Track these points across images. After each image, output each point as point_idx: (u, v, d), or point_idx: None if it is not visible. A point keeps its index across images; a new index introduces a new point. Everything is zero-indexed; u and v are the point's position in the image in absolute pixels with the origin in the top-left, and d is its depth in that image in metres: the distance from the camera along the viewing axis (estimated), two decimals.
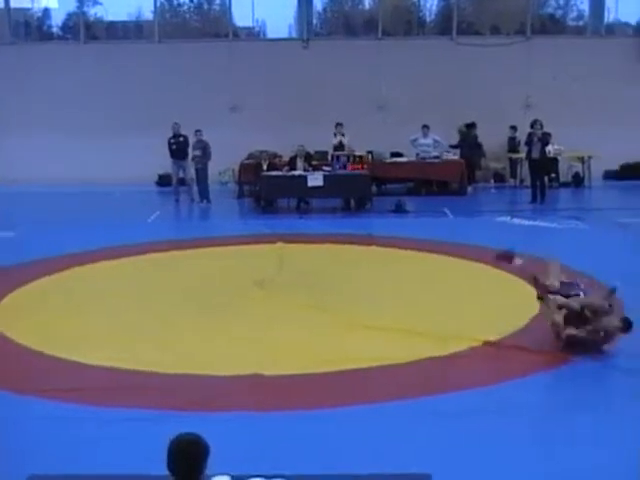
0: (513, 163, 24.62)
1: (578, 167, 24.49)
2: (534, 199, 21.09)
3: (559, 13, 28.92)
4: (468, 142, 23.51)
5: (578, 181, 24.31)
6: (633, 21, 27.91)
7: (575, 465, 6.96)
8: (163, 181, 24.11)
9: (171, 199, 21.82)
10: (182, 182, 21.96)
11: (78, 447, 7.27)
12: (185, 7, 28.13)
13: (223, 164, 23.90)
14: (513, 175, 24.67)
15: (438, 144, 22.70)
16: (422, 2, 28.30)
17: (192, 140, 21.48)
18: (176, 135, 21.66)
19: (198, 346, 10.15)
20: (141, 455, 6.70)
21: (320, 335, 10.50)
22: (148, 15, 26.64)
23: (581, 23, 27.85)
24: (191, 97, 23.93)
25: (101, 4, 27.28)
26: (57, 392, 8.51)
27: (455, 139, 23.70)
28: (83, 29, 26.03)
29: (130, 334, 10.58)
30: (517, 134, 23.98)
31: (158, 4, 26.09)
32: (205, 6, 28.46)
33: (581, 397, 8.52)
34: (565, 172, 24.44)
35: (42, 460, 6.98)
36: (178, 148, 21.61)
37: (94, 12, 27.66)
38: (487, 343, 10.01)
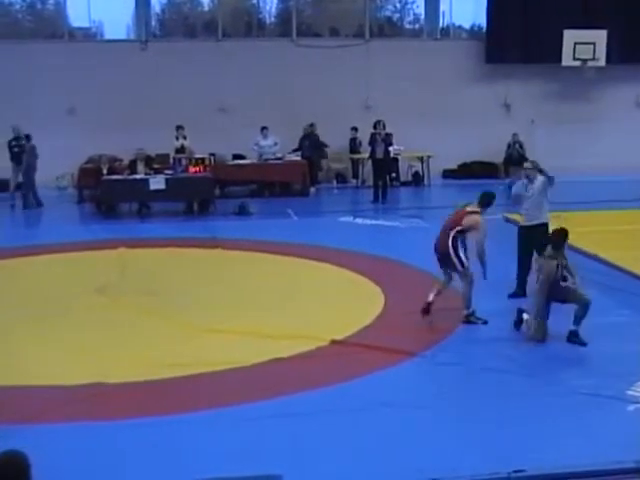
0: (355, 163, 24.93)
1: (418, 166, 25.03)
2: (376, 199, 21.40)
3: (396, 16, 29.48)
4: (310, 143, 23.60)
5: (418, 180, 24.86)
6: (467, 25, 28.79)
7: (427, 459, 7.05)
8: None
9: (5, 205, 20.99)
10: (20, 187, 21.20)
11: None
12: (17, 6, 27.17)
13: (61, 168, 23.22)
14: (355, 175, 24.97)
15: (277, 146, 22.73)
16: (261, 4, 28.32)
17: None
18: (18, 137, 20.91)
19: (37, 356, 9.78)
20: None
21: (165, 340, 10.32)
22: None
23: (417, 26, 28.47)
24: (27, 100, 23.09)
25: None
26: None
27: (295, 140, 23.69)
28: None
29: None
30: (358, 135, 24.28)
31: None
32: (38, 6, 27.56)
33: (425, 392, 8.66)
34: (405, 171, 24.93)
35: None
36: (20, 151, 20.86)
37: None
38: (334, 342, 10.06)
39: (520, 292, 11.99)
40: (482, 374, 9.02)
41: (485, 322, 10.84)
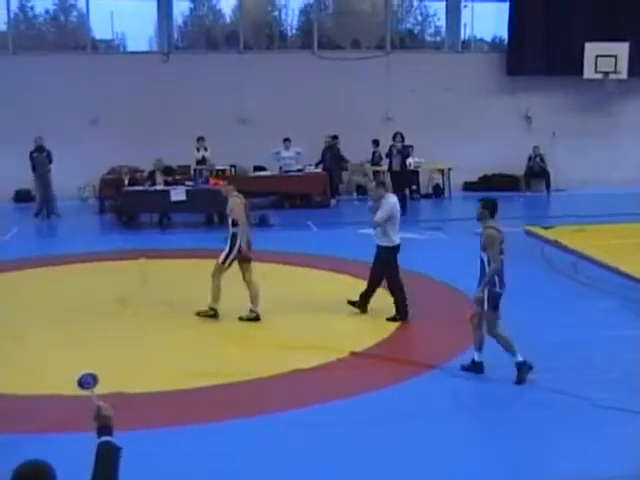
0: (375, 176, 24.89)
1: (438, 179, 25.03)
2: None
3: (417, 29, 29.49)
4: (331, 155, 23.60)
5: (438, 192, 24.84)
6: (488, 37, 28.79)
7: (447, 470, 7.05)
8: (21, 197, 23.42)
9: (30, 215, 21.19)
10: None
11: None
12: (41, 19, 27.39)
13: (83, 179, 23.39)
14: None
15: (300, 156, 22.76)
16: (283, 16, 28.42)
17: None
18: (40, 148, 21.12)
19: (58, 366, 9.82)
20: None
21: (185, 351, 10.37)
22: (1, 26, 25.82)
23: (439, 39, 28.49)
24: (50, 111, 23.25)
25: None
26: None
27: (316, 151, 23.68)
28: None
29: None
30: (379, 148, 24.23)
31: (12, 15, 25.33)
32: (62, 18, 27.78)
33: (444, 405, 8.64)
34: (426, 184, 24.93)
35: None
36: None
37: None
38: (353, 354, 10.07)
39: (363, 309, 11.87)
40: (501, 386, 9.00)
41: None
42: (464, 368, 9.39)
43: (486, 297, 9.12)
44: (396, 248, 11.62)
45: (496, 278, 9.12)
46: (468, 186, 25.79)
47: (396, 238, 11.60)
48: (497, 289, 9.13)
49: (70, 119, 23.41)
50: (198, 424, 8.04)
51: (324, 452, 7.45)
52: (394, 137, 21.62)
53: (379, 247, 11.62)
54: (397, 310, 11.60)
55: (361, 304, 11.83)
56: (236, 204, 11.66)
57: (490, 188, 25.24)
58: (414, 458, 7.36)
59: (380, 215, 11.38)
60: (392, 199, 11.68)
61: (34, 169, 21.16)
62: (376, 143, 24.24)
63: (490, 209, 9.38)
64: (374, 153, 24.56)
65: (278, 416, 8.22)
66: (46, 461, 4.26)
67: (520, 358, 9.09)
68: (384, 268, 11.65)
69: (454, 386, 9.13)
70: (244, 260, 11.76)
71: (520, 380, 9.01)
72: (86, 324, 11.52)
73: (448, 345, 10.40)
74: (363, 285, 12.47)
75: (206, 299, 12.63)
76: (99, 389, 8.91)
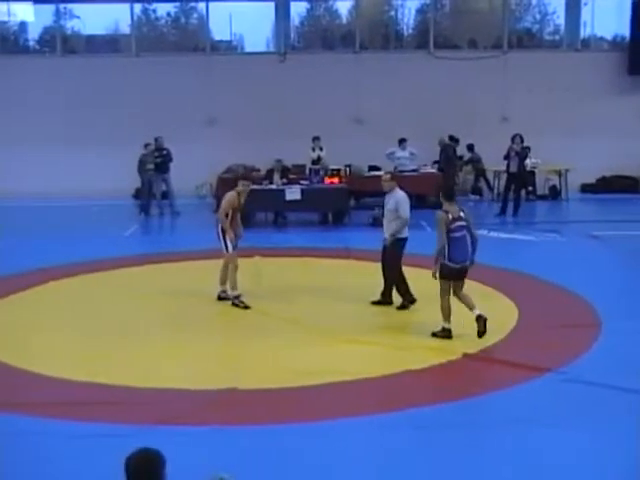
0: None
1: (555, 180, 24.61)
2: (502, 212, 21.17)
3: (535, 27, 29.08)
4: (445, 155, 23.45)
5: (555, 194, 24.42)
6: (609, 36, 28.16)
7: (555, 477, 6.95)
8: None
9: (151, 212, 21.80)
10: (164, 195, 21.98)
11: (60, 463, 7.19)
12: (162, 21, 28.11)
13: (200, 178, 23.85)
14: (490, 188, 24.74)
15: (414, 157, 22.67)
16: (399, 16, 28.42)
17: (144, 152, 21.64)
18: (159, 148, 21.67)
19: (173, 361, 10.06)
20: (110, 472, 6.62)
21: (298, 349, 10.45)
22: (125, 29, 26.61)
23: (557, 37, 28.02)
24: (169, 110, 23.88)
25: (78, 17, 27.19)
26: (29, 407, 8.43)
27: (431, 152, 23.58)
28: (60, 43, 25.95)
29: (105, 350, 10.47)
30: (472, 154, 24.26)
31: (135, 18, 26.06)
32: (182, 20, 28.44)
33: (556, 411, 8.49)
34: (542, 185, 24.54)
35: (5, 476, 6.90)
36: (163, 161, 21.65)
37: (71, 26, 27.54)
38: (466, 355, 10.00)
39: (386, 300, 12.47)
40: (616, 393, 8.79)
41: (246, 307, 12.14)
42: (434, 334, 10.66)
43: (438, 269, 10.46)
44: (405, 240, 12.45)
45: (446, 253, 10.36)
46: (586, 188, 25.30)
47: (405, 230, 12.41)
48: (447, 262, 10.41)
49: (189, 118, 23.94)
50: (307, 422, 8.10)
51: (431, 454, 7.41)
52: (513, 139, 21.37)
53: (399, 240, 12.30)
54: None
55: (385, 298, 12.54)
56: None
57: (609, 190, 24.74)
58: (522, 466, 7.26)
59: (403, 210, 12.14)
60: (402, 193, 12.37)
61: (161, 168, 21.79)
62: (470, 148, 24.21)
63: (444, 194, 10.70)
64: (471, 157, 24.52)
65: (387, 416, 8.21)
66: (156, 449, 4.40)
67: (447, 326, 10.63)
68: (397, 259, 12.41)
69: (568, 391, 8.95)
70: None
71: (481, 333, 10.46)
72: (200, 320, 11.75)
73: (564, 349, 10.22)
74: (477, 286, 12.38)
75: (317, 295, 12.76)
76: (213, 384, 9.15)
